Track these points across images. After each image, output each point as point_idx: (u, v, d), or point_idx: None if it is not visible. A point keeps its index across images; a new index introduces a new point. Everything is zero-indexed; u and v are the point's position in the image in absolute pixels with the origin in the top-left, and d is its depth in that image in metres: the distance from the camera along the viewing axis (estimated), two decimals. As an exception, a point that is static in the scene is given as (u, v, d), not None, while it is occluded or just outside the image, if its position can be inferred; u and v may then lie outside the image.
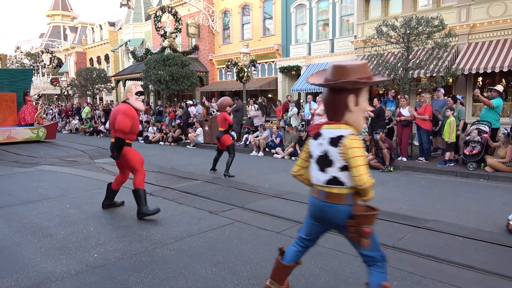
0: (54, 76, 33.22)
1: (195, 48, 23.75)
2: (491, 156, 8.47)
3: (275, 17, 19.79)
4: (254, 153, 12.06)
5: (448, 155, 9.05)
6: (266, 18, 20.54)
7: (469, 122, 10.46)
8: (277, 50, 19.32)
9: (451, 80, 11.43)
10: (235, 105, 14.74)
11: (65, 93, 30.42)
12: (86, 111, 22.54)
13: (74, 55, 35.07)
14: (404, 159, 9.86)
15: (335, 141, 2.41)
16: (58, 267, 3.59)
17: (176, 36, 22.29)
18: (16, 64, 38.52)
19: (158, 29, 21.47)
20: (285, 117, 14.69)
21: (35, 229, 4.73)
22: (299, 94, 18.11)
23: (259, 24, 20.67)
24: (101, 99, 33.37)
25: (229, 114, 8.52)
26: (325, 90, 2.55)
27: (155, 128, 16.52)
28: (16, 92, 16.51)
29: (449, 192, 6.91)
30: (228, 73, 17.00)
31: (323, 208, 2.50)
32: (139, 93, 5.17)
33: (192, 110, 16.64)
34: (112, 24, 33.46)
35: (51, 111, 28.15)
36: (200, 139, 14.64)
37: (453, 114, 9.04)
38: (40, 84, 36.23)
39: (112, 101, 24.96)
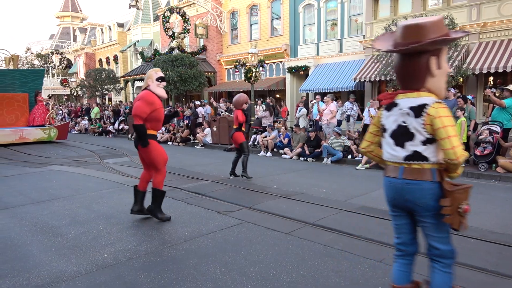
0: (63, 77, 33.58)
1: (203, 49, 23.82)
2: (502, 157, 8.35)
3: (283, 17, 19.76)
4: (262, 153, 12.05)
5: (458, 155, 8.93)
6: (274, 18, 20.52)
7: (480, 122, 10.33)
8: (285, 50, 19.29)
9: (461, 80, 11.30)
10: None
11: (75, 93, 30.75)
12: (95, 111, 22.72)
13: (84, 56, 35.39)
14: (414, 159, 9.75)
15: (417, 111, 2.11)
16: (69, 267, 3.61)
17: (185, 36, 22.38)
18: (27, 65, 38.98)
19: (166, 29, 21.56)
20: (288, 117, 14.67)
21: (45, 228, 4.78)
22: (307, 94, 18.05)
23: (267, 24, 20.67)
24: (110, 99, 33.63)
25: (245, 111, 8.17)
26: (397, 55, 2.24)
27: (163, 128, 16.59)
28: (28, 92, 16.68)
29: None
30: (236, 73, 17.01)
31: (402, 187, 2.17)
32: (160, 79, 4.81)
33: (200, 110, 16.68)
34: (121, 25, 33.70)
35: (60, 111, 28.42)
36: (208, 139, 14.67)
37: (463, 114, 8.93)
38: (50, 85, 36.61)
39: (121, 101, 25.12)
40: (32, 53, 41.19)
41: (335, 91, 15.61)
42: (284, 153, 11.44)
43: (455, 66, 11.25)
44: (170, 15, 21.78)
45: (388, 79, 12.58)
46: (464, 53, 12.56)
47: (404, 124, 2.16)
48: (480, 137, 8.68)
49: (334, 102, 12.17)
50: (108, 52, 34.69)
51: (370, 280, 3.31)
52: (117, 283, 3.28)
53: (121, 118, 20.59)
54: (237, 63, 15.77)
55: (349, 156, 10.39)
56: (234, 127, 8.05)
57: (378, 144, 2.41)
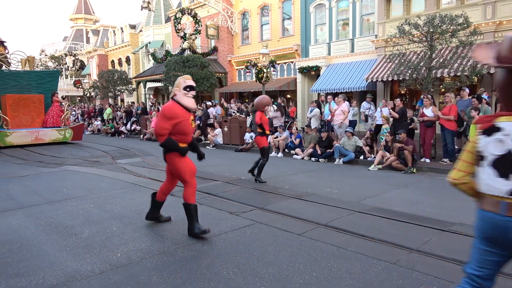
0: (77, 78, 34.03)
1: (214, 49, 23.90)
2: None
3: (294, 17, 19.71)
4: (273, 153, 12.03)
5: (473, 156, 8.78)
6: (285, 19, 20.48)
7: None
8: (296, 50, 19.23)
9: (475, 79, 11.11)
10: (254, 105, 14.75)
11: (88, 94, 31.14)
12: (107, 112, 22.96)
13: (96, 58, 35.81)
14: (427, 160, 9.64)
15: None
16: (83, 266, 3.65)
17: (196, 37, 22.48)
18: (41, 67, 39.59)
19: (178, 31, 21.69)
20: (297, 119, 14.61)
21: (60, 228, 4.83)
22: (318, 95, 17.97)
23: (278, 25, 20.63)
24: (122, 100, 33.97)
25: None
26: (501, 71, 1.96)
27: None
28: (43, 93, 16.91)
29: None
30: (247, 74, 17.04)
31: (505, 225, 1.88)
32: (188, 88, 4.42)
33: (211, 111, 16.73)
34: (133, 27, 34.02)
35: (73, 112, 28.82)
36: (219, 139, 14.70)
37: (478, 114, 8.78)
38: (63, 86, 37.15)
39: (133, 102, 25.33)
40: (46, 55, 41.83)
41: (347, 91, 15.50)
42: (296, 154, 11.40)
43: (470, 65, 11.06)
44: (182, 16, 21.90)
45: (401, 79, 12.45)
46: (478, 52, 12.34)
47: (510, 152, 1.88)
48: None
49: (346, 102, 12.08)
50: (120, 54, 35.05)
51: (385, 282, 3.26)
52: (131, 283, 3.30)
53: (133, 118, 20.77)
54: (248, 64, 15.80)
55: (361, 157, 10.31)
56: (258, 130, 7.79)
57: (473, 174, 2.08)
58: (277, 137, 12.26)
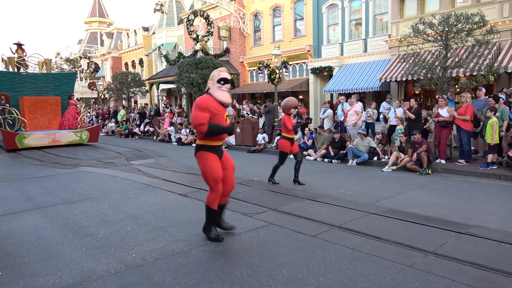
0: (91, 81, 34.52)
1: (226, 51, 23.96)
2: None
3: (306, 18, 19.64)
4: (286, 155, 11.99)
5: (490, 157, 8.62)
6: (297, 19, 20.42)
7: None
8: (309, 51, 19.15)
9: (492, 78, 10.90)
10: (266, 106, 14.75)
11: (102, 96, 31.53)
12: (121, 114, 23.23)
13: (110, 60, 36.27)
14: (443, 161, 9.49)
15: None
16: (99, 266, 3.69)
17: (208, 39, 22.57)
18: (56, 69, 40.28)
19: (190, 32, 21.80)
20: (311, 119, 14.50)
21: (76, 228, 4.90)
22: (331, 95, 17.87)
23: (290, 25, 20.58)
24: (135, 102, 34.31)
25: (294, 117, 7.34)
26: None
27: (187, 130, 16.79)
28: (60, 95, 17.19)
29: (493, 196, 6.57)
30: (260, 75, 17.02)
31: None
32: (222, 81, 4.16)
33: (224, 112, 16.74)
34: (146, 29, 34.35)
35: (88, 114, 29.23)
36: (232, 140, 14.73)
37: (494, 114, 8.61)
38: (78, 88, 37.70)
39: (146, 104, 25.59)
40: (61, 58, 42.54)
41: (360, 91, 15.37)
42: (308, 155, 11.35)
43: (486, 64, 10.86)
44: (194, 18, 22.01)
45: (415, 78, 12.29)
46: (495, 51, 12.11)
47: None
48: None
49: (360, 103, 11.98)
50: (133, 56, 35.42)
51: (400, 285, 3.22)
52: (146, 283, 3.32)
53: (146, 120, 20.97)
54: (260, 65, 15.77)
55: (375, 158, 10.20)
56: (284, 134, 7.53)
57: None
58: (289, 138, 12.21)
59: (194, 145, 15.60)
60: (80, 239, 4.48)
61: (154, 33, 32.48)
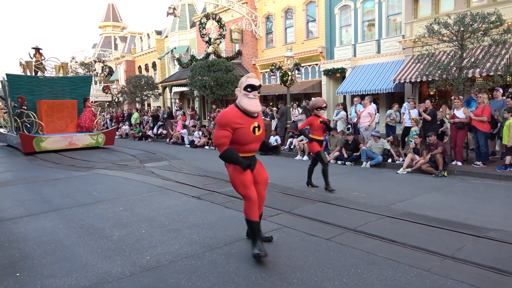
0: (105, 84, 34.94)
1: (239, 53, 24.04)
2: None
3: (318, 20, 19.57)
4: (299, 157, 11.95)
5: (508, 159, 8.43)
6: (310, 21, 20.36)
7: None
8: (321, 52, 19.08)
9: (510, 79, 10.67)
10: (280, 109, 14.74)
11: (116, 100, 31.93)
12: (135, 116, 23.46)
13: (124, 64, 36.73)
14: (459, 163, 9.32)
15: None
16: (114, 268, 3.72)
17: (220, 42, 22.68)
18: (71, 73, 40.98)
19: (203, 35, 21.94)
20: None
21: (91, 230, 4.96)
22: (344, 97, 17.75)
23: (302, 27, 20.54)
24: (149, 105, 34.64)
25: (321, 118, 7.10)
26: None
27: (200, 132, 16.86)
28: (76, 99, 17.45)
29: None
30: (272, 77, 17.00)
31: None
32: (249, 88, 3.77)
33: (236, 114, 16.76)
34: (158, 33, 34.69)
35: (103, 117, 29.61)
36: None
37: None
38: (93, 91, 38.25)
39: (159, 106, 25.76)
40: (76, 62, 43.24)
41: (373, 93, 15.23)
42: (321, 157, 11.26)
43: (504, 64, 10.64)
44: (206, 21, 22.15)
45: (430, 79, 12.11)
46: (512, 51, 11.87)
47: None
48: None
49: (373, 104, 11.85)
50: (147, 59, 35.79)
51: (418, 290, 3.16)
52: (160, 286, 3.33)
53: (159, 123, 21.14)
54: (272, 67, 15.75)
55: (389, 160, 10.08)
56: (312, 136, 7.27)
57: None
58: (302, 140, 12.17)
59: (207, 147, 15.71)
60: (95, 241, 4.52)
61: (167, 36, 32.77)
